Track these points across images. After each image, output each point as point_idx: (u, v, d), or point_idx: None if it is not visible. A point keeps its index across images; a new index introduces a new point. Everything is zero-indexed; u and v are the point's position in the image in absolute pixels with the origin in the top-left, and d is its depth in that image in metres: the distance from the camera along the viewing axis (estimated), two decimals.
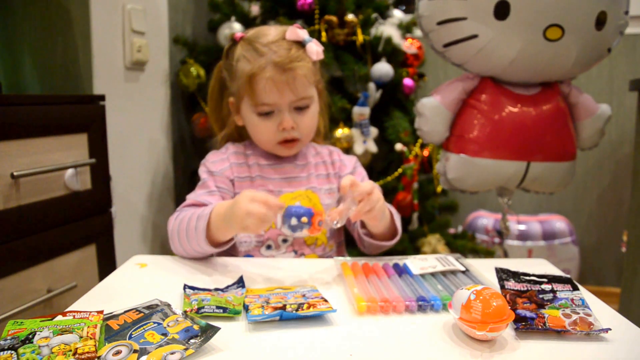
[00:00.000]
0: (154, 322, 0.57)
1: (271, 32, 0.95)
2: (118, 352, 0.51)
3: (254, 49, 0.92)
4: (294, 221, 0.71)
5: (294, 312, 0.61)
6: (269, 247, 0.94)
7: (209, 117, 1.08)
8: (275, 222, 0.74)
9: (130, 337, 0.54)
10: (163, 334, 0.54)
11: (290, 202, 0.91)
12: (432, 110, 1.22)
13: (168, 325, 0.56)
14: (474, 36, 1.11)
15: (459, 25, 1.11)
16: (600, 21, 1.08)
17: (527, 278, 0.67)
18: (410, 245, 1.73)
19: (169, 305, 0.62)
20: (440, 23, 1.13)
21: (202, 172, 0.97)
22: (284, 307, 0.62)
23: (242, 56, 0.93)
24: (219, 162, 0.97)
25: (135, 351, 0.51)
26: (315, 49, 0.93)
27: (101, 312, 0.60)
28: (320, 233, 0.78)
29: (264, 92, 0.90)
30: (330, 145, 1.08)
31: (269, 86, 0.89)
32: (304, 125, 0.95)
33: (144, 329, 0.56)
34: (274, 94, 0.90)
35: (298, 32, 0.94)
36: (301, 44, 0.94)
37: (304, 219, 0.71)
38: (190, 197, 0.93)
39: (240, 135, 1.04)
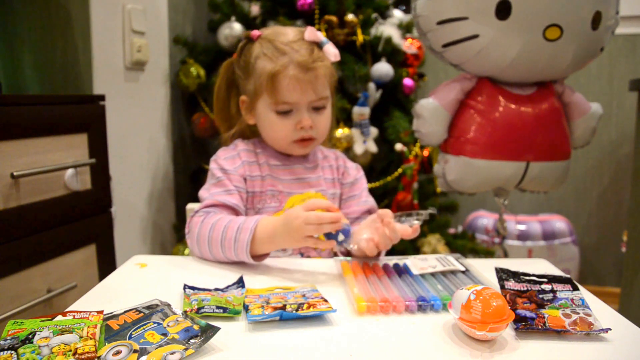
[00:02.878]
0: (154, 322, 0.57)
1: (289, 32, 0.95)
2: (118, 352, 0.51)
3: (274, 47, 0.92)
4: (340, 237, 0.76)
5: (294, 312, 0.61)
6: None
7: (215, 116, 1.07)
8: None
9: (130, 337, 0.54)
10: (163, 334, 0.54)
11: (299, 204, 0.91)
12: (431, 112, 1.21)
13: (168, 325, 0.56)
14: (475, 36, 1.10)
15: (460, 25, 1.11)
16: (596, 21, 1.08)
17: (527, 278, 0.67)
18: (410, 245, 1.73)
19: (169, 305, 0.62)
20: (440, 23, 1.13)
21: (214, 169, 0.95)
22: (284, 307, 0.62)
23: (262, 54, 0.93)
24: (231, 160, 0.96)
25: (135, 351, 0.51)
26: (333, 51, 0.94)
27: (101, 312, 0.60)
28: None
29: (287, 90, 0.90)
30: (336, 150, 1.08)
31: (292, 85, 0.90)
32: (321, 125, 0.95)
33: (144, 329, 0.56)
34: (296, 93, 0.90)
35: (317, 33, 0.94)
36: (319, 45, 0.94)
37: (344, 237, 0.77)
38: (206, 196, 0.91)
39: (250, 137, 1.03)
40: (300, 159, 1.00)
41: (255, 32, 0.96)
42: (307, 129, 0.93)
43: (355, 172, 1.04)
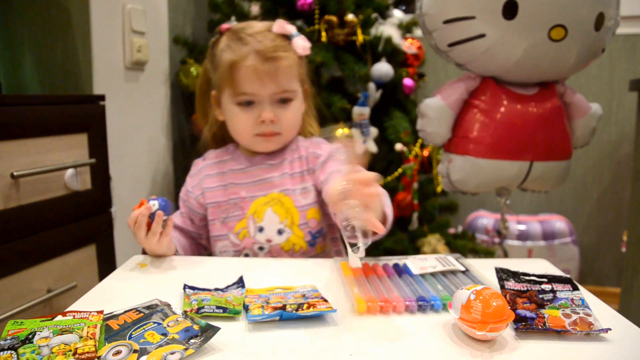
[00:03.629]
0: (154, 322, 0.57)
1: (258, 24, 0.93)
2: (118, 352, 0.51)
3: (238, 38, 0.90)
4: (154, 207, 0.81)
5: (294, 312, 0.61)
6: (246, 255, 0.93)
7: (197, 117, 1.06)
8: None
9: (130, 337, 0.54)
10: (163, 334, 0.54)
11: (262, 208, 0.91)
12: (437, 111, 1.21)
13: (168, 325, 0.56)
14: (481, 36, 1.11)
15: (467, 24, 1.11)
16: (599, 22, 1.09)
17: (527, 278, 0.67)
18: (410, 245, 1.73)
19: (169, 306, 0.62)
20: (446, 22, 1.13)
21: (183, 186, 0.99)
22: (283, 307, 0.62)
23: (227, 46, 0.91)
24: (194, 176, 0.98)
25: (135, 351, 0.51)
26: (302, 44, 0.90)
27: (101, 312, 0.60)
28: None
29: (245, 80, 0.87)
30: (314, 137, 1.00)
31: (249, 74, 0.86)
32: (286, 119, 0.91)
33: (144, 329, 0.56)
34: (254, 83, 0.87)
35: (285, 25, 0.91)
36: (288, 38, 0.91)
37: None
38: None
39: (223, 137, 1.02)
40: (264, 156, 0.96)
41: (224, 26, 0.94)
42: (267, 123, 0.89)
43: (330, 148, 0.94)
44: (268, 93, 0.88)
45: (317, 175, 0.92)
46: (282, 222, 0.91)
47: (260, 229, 0.91)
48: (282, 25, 0.91)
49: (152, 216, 0.81)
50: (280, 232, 0.92)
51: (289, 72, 0.88)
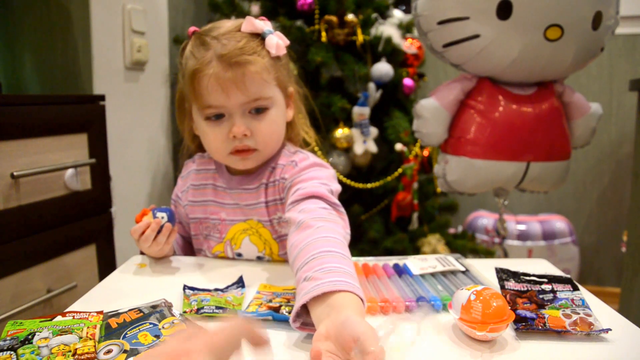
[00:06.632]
0: (150, 323, 0.57)
1: (226, 24, 0.81)
2: (109, 351, 0.52)
3: (201, 42, 0.78)
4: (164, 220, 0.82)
5: (287, 314, 0.60)
6: None
7: (178, 125, 0.95)
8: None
9: (124, 337, 0.54)
10: (156, 336, 0.54)
11: (240, 236, 0.86)
12: (432, 112, 1.21)
13: (163, 327, 0.56)
14: (476, 36, 1.10)
15: (461, 25, 1.11)
16: (596, 21, 1.09)
17: (527, 278, 0.67)
18: (410, 245, 1.73)
19: (170, 307, 0.61)
20: (441, 23, 1.13)
21: (175, 187, 0.95)
22: (277, 309, 0.62)
23: (190, 52, 0.80)
24: (183, 180, 0.93)
25: (125, 351, 0.51)
26: (276, 42, 0.79)
27: (101, 312, 0.60)
28: None
29: (208, 91, 0.76)
30: (295, 153, 0.87)
31: (212, 84, 0.75)
32: (261, 132, 0.80)
33: (139, 329, 0.56)
34: (218, 94, 0.76)
35: (255, 23, 0.79)
36: (260, 37, 0.79)
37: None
38: None
39: (195, 149, 0.94)
40: (242, 179, 0.86)
41: (192, 29, 0.83)
42: (240, 138, 0.78)
43: (296, 170, 0.82)
44: (237, 103, 0.77)
45: (288, 201, 0.80)
46: (260, 252, 0.87)
47: (239, 254, 0.87)
48: (251, 23, 0.79)
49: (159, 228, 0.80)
50: (259, 258, 0.87)
51: (259, 77, 0.77)
